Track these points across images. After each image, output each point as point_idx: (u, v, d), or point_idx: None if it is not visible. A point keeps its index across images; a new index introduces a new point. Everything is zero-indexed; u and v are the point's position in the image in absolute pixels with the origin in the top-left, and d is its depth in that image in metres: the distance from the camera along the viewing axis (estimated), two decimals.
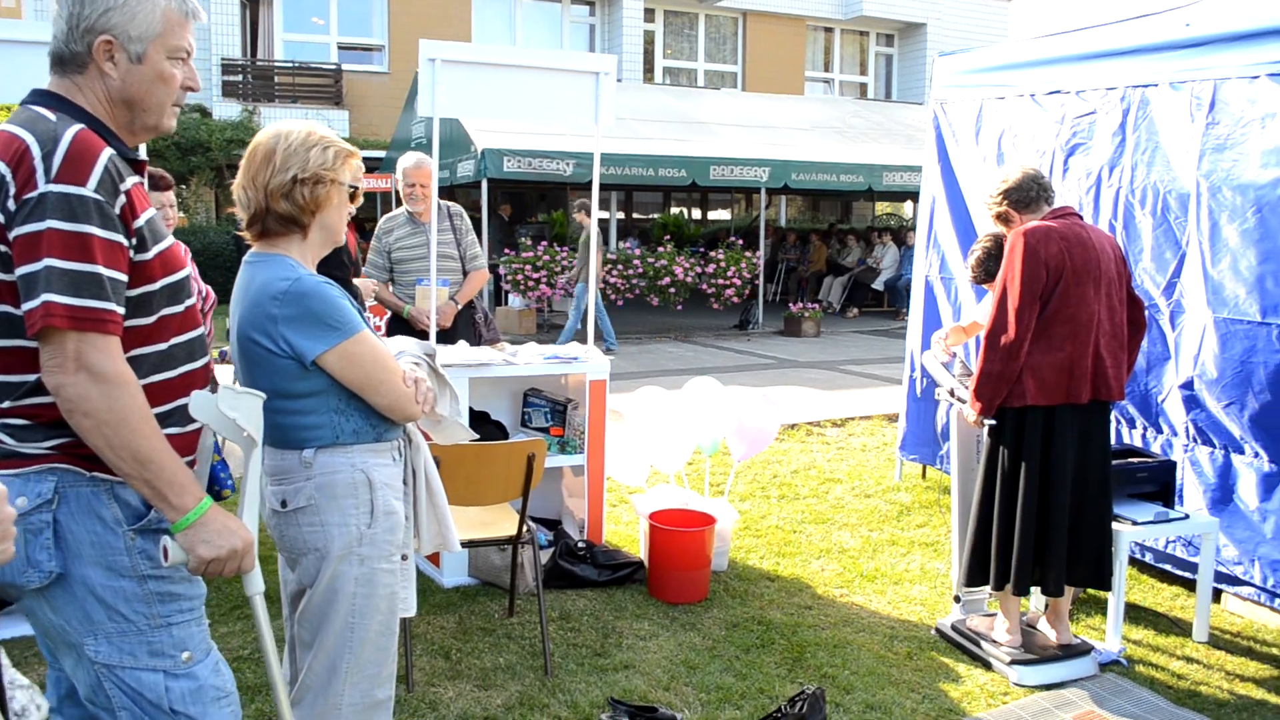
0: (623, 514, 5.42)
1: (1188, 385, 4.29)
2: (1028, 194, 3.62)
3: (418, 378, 2.34)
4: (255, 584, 1.98)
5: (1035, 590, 3.81)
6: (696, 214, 23.36)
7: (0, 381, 1.75)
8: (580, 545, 4.43)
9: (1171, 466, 4.16)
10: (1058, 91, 4.95)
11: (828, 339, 13.52)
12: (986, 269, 3.99)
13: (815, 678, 3.56)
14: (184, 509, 1.78)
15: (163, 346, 1.86)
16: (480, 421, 4.59)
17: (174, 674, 1.85)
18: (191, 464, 1.94)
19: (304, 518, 2.23)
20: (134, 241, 1.77)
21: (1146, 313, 3.91)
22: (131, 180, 1.80)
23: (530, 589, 4.16)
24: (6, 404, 1.75)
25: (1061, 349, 3.47)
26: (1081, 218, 3.66)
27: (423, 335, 4.78)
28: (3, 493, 1.35)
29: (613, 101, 4.68)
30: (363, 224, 14.21)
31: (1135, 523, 3.82)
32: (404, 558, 2.41)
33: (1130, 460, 4.11)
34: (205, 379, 1.97)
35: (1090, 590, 4.23)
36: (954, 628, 3.93)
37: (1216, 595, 4.23)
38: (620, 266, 13.17)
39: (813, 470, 6.47)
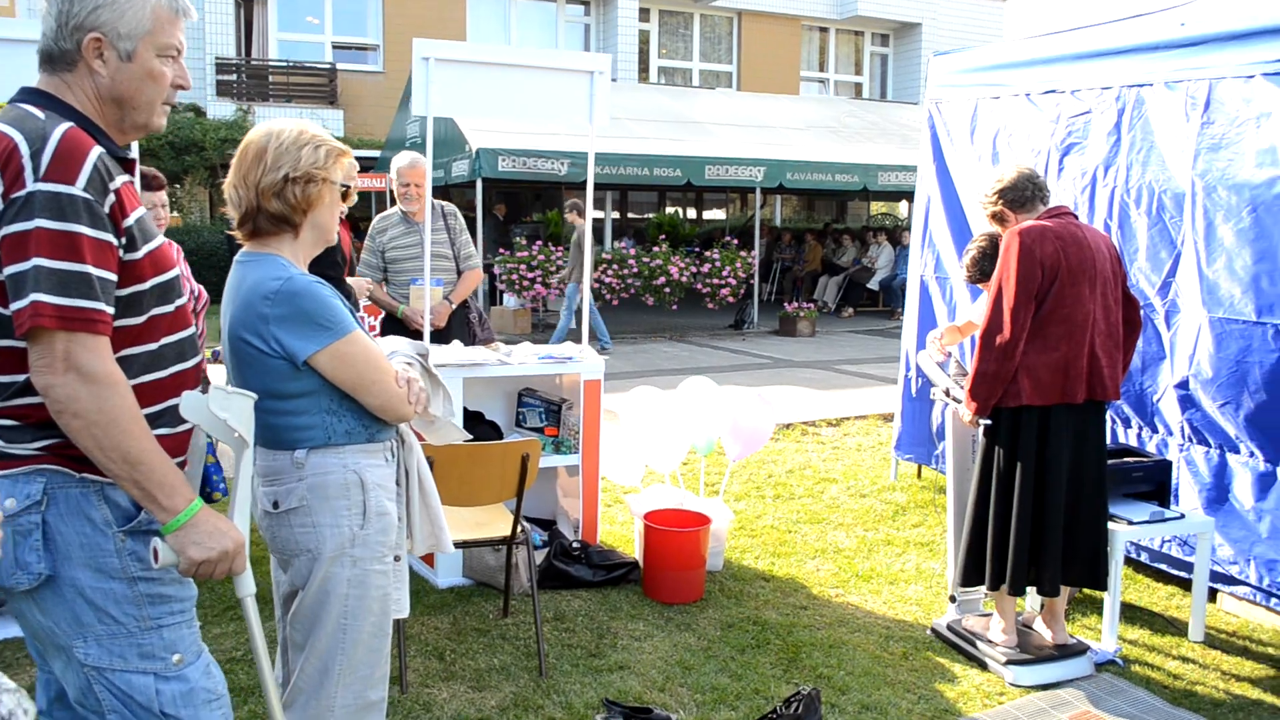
0: (617, 514, 5.40)
1: (1183, 385, 4.29)
2: (1023, 193, 3.61)
3: (410, 378, 2.33)
4: (246, 586, 1.96)
5: (1031, 590, 3.81)
6: (691, 213, 23.41)
7: None
8: (575, 545, 4.42)
9: (1167, 466, 4.16)
10: (1053, 91, 4.95)
11: (823, 339, 13.52)
12: (981, 268, 3.99)
13: (810, 678, 3.55)
14: (174, 510, 1.76)
15: (153, 346, 1.85)
16: (474, 421, 4.58)
17: (165, 676, 1.84)
18: (182, 465, 1.92)
19: (296, 519, 2.22)
20: (123, 241, 1.76)
21: (1142, 312, 3.91)
22: (121, 179, 1.78)
23: (525, 589, 4.15)
24: None
25: (1057, 349, 3.47)
26: (1077, 217, 3.66)
27: (417, 335, 4.77)
28: None
29: (607, 101, 4.68)
30: (357, 223, 14.21)
31: (1131, 522, 3.82)
32: (397, 559, 2.40)
33: (1126, 460, 4.11)
34: (196, 379, 1.96)
35: (1086, 590, 4.23)
36: (949, 628, 3.92)
37: (1212, 595, 4.23)
38: (615, 266, 13.16)
39: (808, 470, 6.47)
